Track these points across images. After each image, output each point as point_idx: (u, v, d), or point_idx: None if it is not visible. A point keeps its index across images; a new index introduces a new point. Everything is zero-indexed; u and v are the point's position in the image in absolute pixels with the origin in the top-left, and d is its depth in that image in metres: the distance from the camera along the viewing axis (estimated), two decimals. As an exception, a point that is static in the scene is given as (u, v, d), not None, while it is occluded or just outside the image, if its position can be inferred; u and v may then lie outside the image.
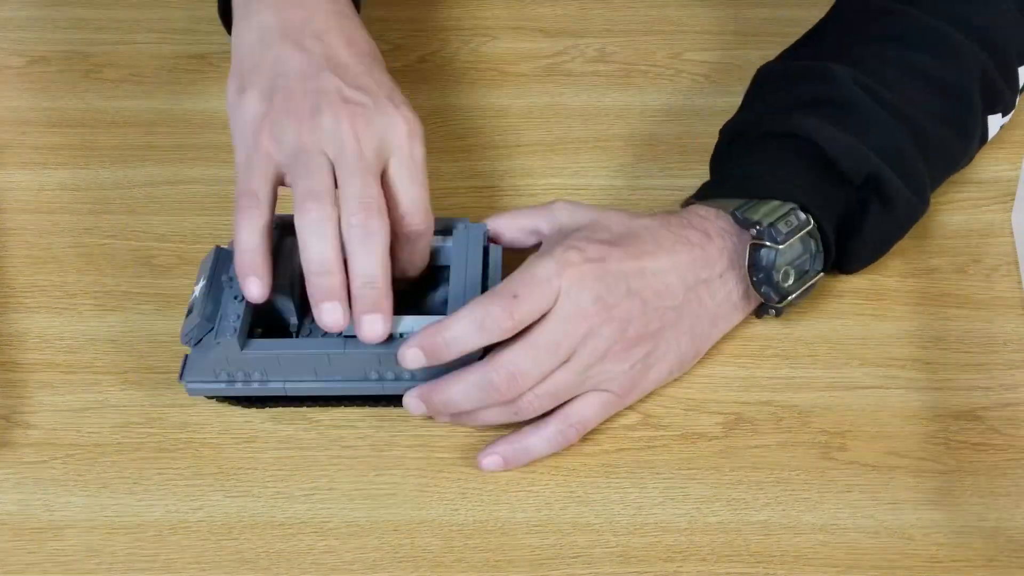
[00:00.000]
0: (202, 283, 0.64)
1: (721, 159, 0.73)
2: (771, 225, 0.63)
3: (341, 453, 0.63)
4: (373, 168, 0.61)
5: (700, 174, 0.79)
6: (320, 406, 0.65)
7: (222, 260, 0.65)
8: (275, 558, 0.59)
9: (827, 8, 0.85)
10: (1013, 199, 0.75)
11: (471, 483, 0.62)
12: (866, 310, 0.70)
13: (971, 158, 0.75)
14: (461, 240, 0.66)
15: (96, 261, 0.74)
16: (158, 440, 0.64)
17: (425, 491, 0.62)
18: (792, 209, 0.64)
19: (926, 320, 0.69)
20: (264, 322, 0.64)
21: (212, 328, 0.62)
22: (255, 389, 0.63)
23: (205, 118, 0.85)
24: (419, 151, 0.64)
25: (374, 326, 0.59)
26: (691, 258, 0.63)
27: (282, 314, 0.65)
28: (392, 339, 0.60)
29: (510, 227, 0.68)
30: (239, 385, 0.62)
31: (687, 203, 0.68)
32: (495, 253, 0.67)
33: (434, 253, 0.66)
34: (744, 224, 0.64)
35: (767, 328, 0.69)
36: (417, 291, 0.67)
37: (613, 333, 0.60)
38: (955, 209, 0.76)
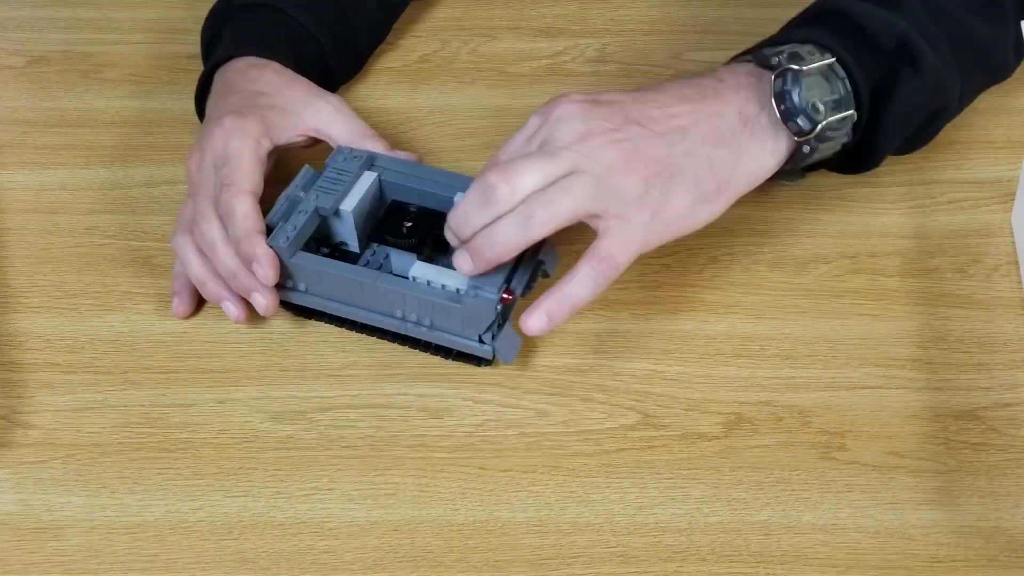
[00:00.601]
0: (286, 191, 0.69)
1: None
2: (791, 56, 0.64)
3: (341, 453, 0.63)
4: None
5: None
6: (355, 331, 0.69)
7: (306, 177, 0.70)
8: (275, 558, 0.59)
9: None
10: (1013, 199, 0.75)
11: (471, 483, 0.62)
12: (866, 310, 0.70)
13: (1007, 65, 0.74)
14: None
15: (96, 261, 0.74)
16: (158, 440, 0.64)
17: (425, 491, 0.62)
18: (817, 48, 0.64)
19: (926, 320, 0.69)
20: (333, 247, 0.70)
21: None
22: (298, 296, 0.67)
23: (205, 118, 0.85)
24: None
25: (256, 301, 0.66)
26: (699, 94, 0.63)
27: (347, 243, 0.70)
28: (410, 280, 0.65)
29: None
30: (288, 290, 0.67)
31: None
32: None
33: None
34: (765, 60, 0.64)
35: (767, 328, 0.69)
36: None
37: (617, 149, 0.60)
38: (955, 209, 0.76)
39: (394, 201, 0.69)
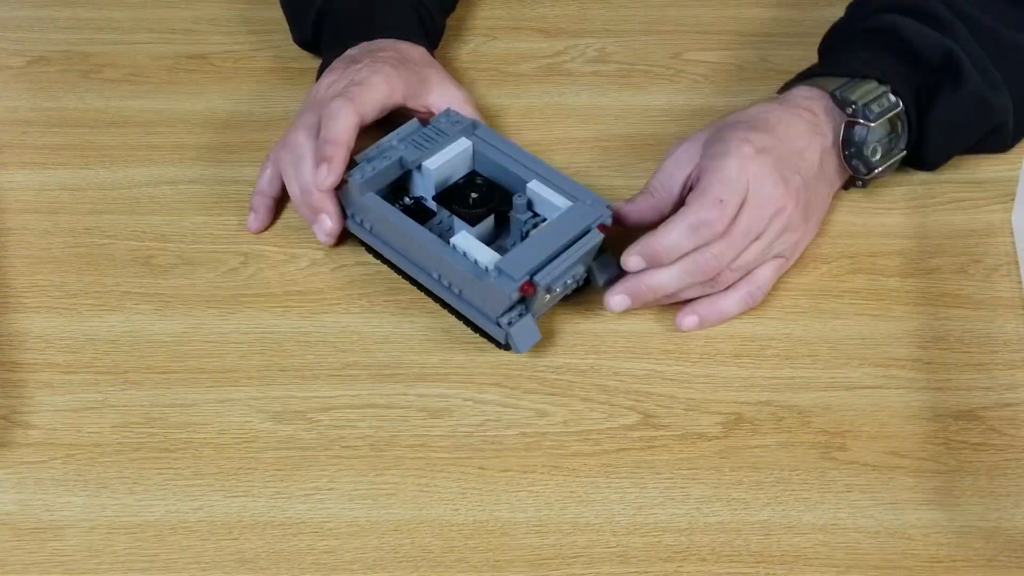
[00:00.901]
0: (386, 137, 0.73)
1: (822, 51, 0.81)
2: (865, 105, 0.71)
3: (341, 453, 0.63)
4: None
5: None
6: (407, 282, 0.72)
7: (409, 129, 0.74)
8: (275, 558, 0.59)
9: (826, 9, 0.85)
10: (1013, 199, 0.75)
11: (471, 483, 0.62)
12: (866, 310, 0.70)
13: None
14: (575, 212, 0.68)
15: (96, 261, 0.74)
16: (158, 440, 0.64)
17: (425, 491, 0.62)
18: (884, 92, 0.71)
19: (926, 320, 0.69)
20: (415, 200, 0.73)
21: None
22: (363, 233, 0.71)
23: (205, 118, 0.85)
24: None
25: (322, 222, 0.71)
26: (814, 134, 0.71)
27: (426, 200, 0.73)
28: (448, 246, 0.66)
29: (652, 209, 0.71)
30: (358, 224, 0.71)
31: (785, 88, 0.76)
32: (593, 238, 0.67)
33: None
34: (842, 103, 0.71)
35: (767, 328, 0.69)
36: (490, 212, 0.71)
37: (794, 209, 0.68)
38: (955, 209, 0.76)
39: (473, 171, 0.72)
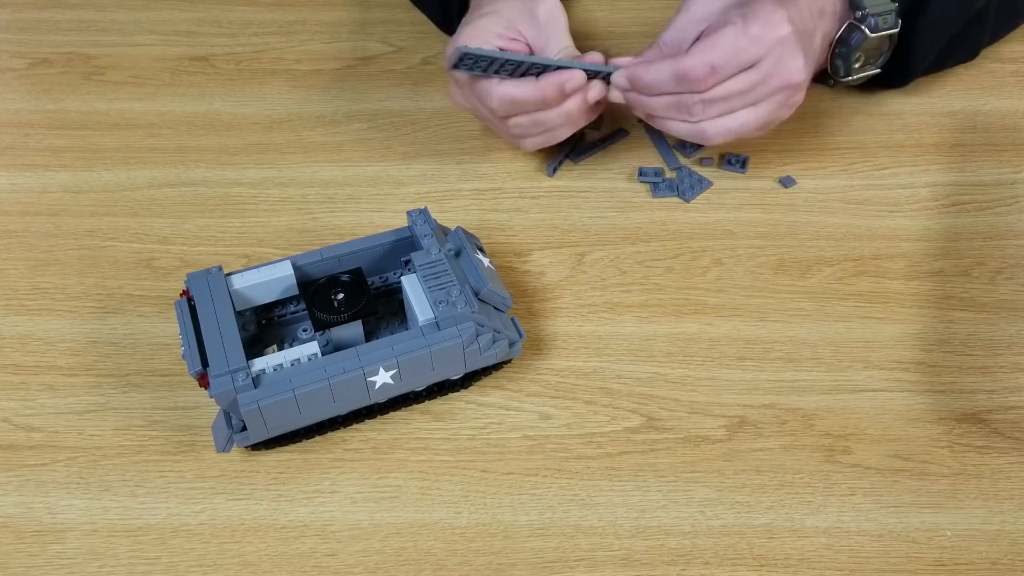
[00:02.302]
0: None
1: None
2: (874, 15, 0.74)
3: (343, 456, 0.63)
4: None
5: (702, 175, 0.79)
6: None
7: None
8: (277, 561, 0.59)
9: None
10: (1016, 202, 0.75)
11: (474, 486, 0.62)
12: (870, 313, 0.70)
13: None
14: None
15: (98, 263, 0.74)
16: (160, 443, 0.64)
17: (428, 494, 0.61)
18: (892, 10, 0.75)
19: (930, 323, 0.69)
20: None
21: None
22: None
23: (207, 120, 0.85)
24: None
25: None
26: (822, 15, 0.74)
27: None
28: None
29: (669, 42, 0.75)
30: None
31: None
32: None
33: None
34: (855, 4, 0.75)
35: (771, 331, 0.69)
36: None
37: (797, 49, 0.70)
38: (959, 212, 0.76)
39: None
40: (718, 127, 0.72)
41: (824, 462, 0.62)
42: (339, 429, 0.64)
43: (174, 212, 0.77)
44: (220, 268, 0.64)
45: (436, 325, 0.61)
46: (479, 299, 0.63)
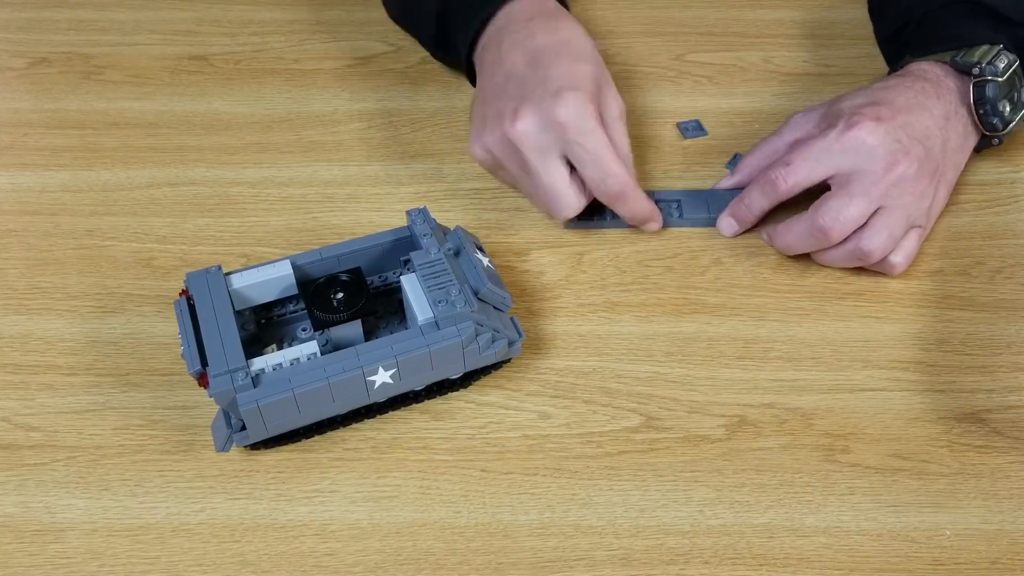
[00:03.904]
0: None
1: (907, 35, 0.83)
2: (989, 63, 0.73)
3: (343, 455, 0.63)
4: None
5: (702, 175, 0.79)
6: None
7: None
8: (277, 560, 0.59)
9: (828, 11, 0.85)
10: (1016, 201, 0.75)
11: (473, 485, 0.62)
12: (869, 312, 0.70)
13: None
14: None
15: (97, 263, 0.74)
16: (160, 442, 0.64)
17: (427, 493, 0.61)
18: (1000, 50, 0.74)
19: (929, 322, 0.69)
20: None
21: None
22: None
23: (206, 119, 0.85)
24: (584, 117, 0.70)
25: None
26: (934, 103, 0.72)
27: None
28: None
29: (757, 164, 0.76)
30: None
31: (899, 67, 0.77)
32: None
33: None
34: (964, 68, 0.73)
35: (770, 330, 0.69)
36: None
37: (914, 173, 0.68)
38: (958, 211, 0.76)
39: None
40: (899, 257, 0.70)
41: (823, 461, 0.62)
42: (339, 428, 0.64)
43: (173, 211, 0.77)
44: (219, 268, 0.64)
45: (435, 324, 0.61)
46: (478, 298, 0.63)
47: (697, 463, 0.62)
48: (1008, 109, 0.73)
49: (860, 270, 0.72)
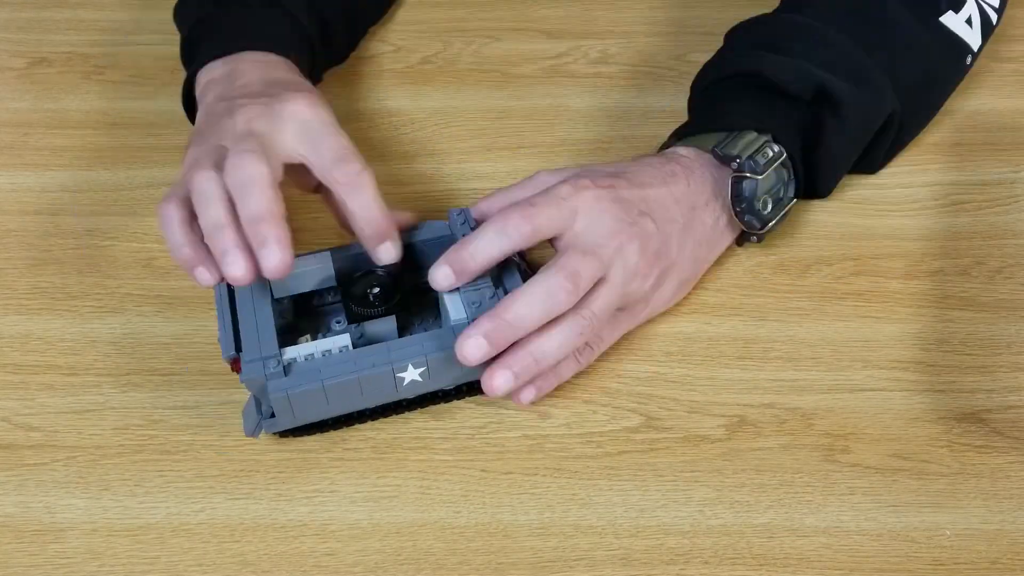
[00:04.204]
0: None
1: (695, 93, 0.77)
2: (750, 158, 0.67)
3: (343, 455, 0.63)
4: (251, 139, 0.62)
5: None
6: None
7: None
8: (277, 560, 0.59)
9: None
10: (1016, 201, 0.75)
11: (473, 485, 0.62)
12: (869, 312, 0.70)
13: (959, 64, 0.78)
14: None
15: (97, 263, 0.74)
16: (160, 442, 0.64)
17: (427, 493, 0.61)
18: (766, 141, 0.68)
19: (929, 322, 0.69)
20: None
21: None
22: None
23: (207, 119, 0.84)
24: (322, 114, 0.65)
25: (270, 257, 0.58)
26: (681, 187, 0.67)
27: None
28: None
29: (499, 207, 0.66)
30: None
31: (663, 147, 0.73)
32: None
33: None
34: (725, 159, 0.68)
35: (770, 330, 0.69)
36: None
37: (638, 249, 0.63)
38: (958, 211, 0.76)
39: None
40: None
41: (823, 461, 0.62)
42: (367, 421, 0.64)
43: (173, 211, 0.77)
44: None
45: (466, 324, 0.60)
46: None
47: (697, 463, 0.62)
48: (769, 207, 0.69)
49: (860, 271, 0.72)
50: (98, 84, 0.88)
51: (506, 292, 0.62)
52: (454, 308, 0.61)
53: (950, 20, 0.76)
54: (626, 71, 0.88)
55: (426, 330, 0.65)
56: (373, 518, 0.60)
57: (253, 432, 0.61)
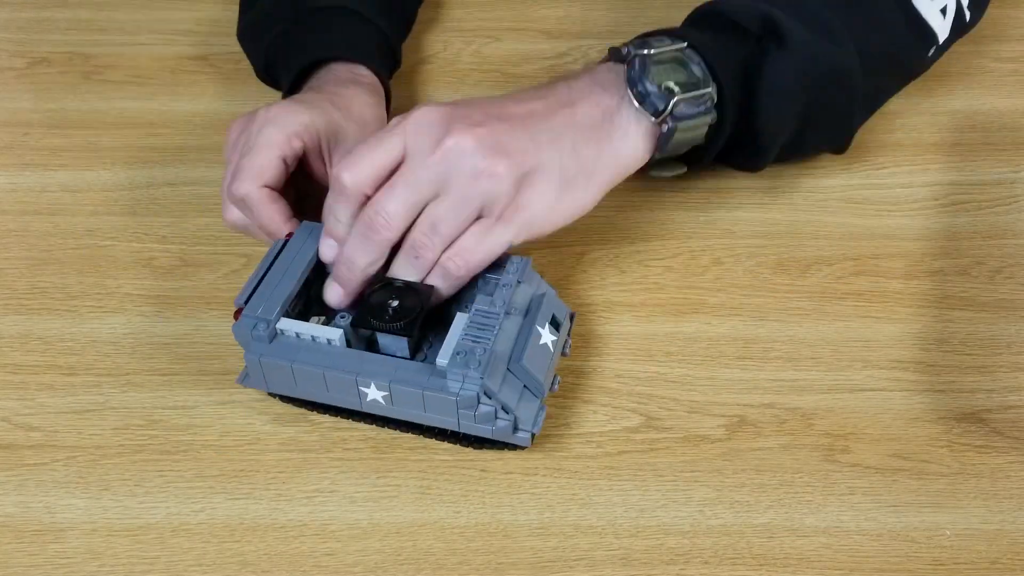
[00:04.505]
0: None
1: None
2: (640, 44, 0.66)
3: (343, 455, 0.63)
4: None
5: (702, 174, 0.79)
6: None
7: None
8: (276, 560, 0.59)
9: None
10: (1016, 201, 0.75)
11: (473, 485, 0.62)
12: (869, 312, 0.70)
13: (922, 52, 0.76)
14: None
15: (97, 263, 0.74)
16: (160, 442, 0.64)
17: (427, 493, 0.61)
18: (672, 42, 0.66)
19: (929, 322, 0.69)
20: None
21: None
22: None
23: (206, 119, 0.85)
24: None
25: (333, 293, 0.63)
26: (551, 91, 0.65)
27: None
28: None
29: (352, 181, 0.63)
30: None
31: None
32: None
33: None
34: (617, 54, 0.67)
35: (770, 330, 0.69)
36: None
37: (475, 146, 0.60)
38: (958, 211, 0.76)
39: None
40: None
41: (823, 461, 0.62)
42: (360, 420, 0.64)
43: (173, 211, 0.77)
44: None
45: (444, 372, 0.59)
46: (509, 370, 0.61)
47: (697, 463, 0.62)
48: (677, 89, 0.65)
49: (860, 271, 0.72)
50: (98, 84, 0.88)
51: (509, 358, 0.61)
52: (446, 349, 0.60)
53: (923, 5, 0.74)
54: (626, 71, 0.88)
55: (425, 358, 0.63)
56: (373, 518, 0.61)
57: (240, 380, 0.63)
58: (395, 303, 0.62)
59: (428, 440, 0.64)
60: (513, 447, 0.62)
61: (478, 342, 0.60)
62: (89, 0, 0.97)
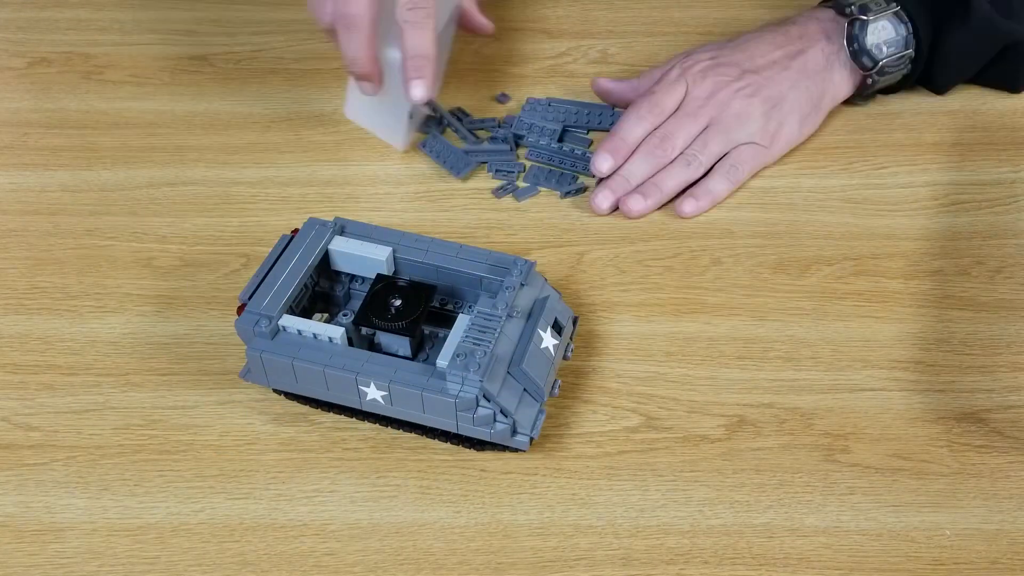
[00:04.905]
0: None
1: None
2: (863, 6, 0.80)
3: (343, 455, 0.63)
4: None
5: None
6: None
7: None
8: (276, 560, 0.59)
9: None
10: (1015, 201, 0.75)
11: (473, 485, 0.62)
12: (869, 312, 0.70)
13: None
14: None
15: (97, 263, 0.74)
16: (159, 442, 0.64)
17: (427, 493, 0.61)
18: (889, 5, 0.80)
19: (929, 322, 0.69)
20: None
21: None
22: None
23: (206, 119, 0.85)
24: None
25: (417, 89, 0.73)
26: (787, 38, 0.81)
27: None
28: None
29: (619, 92, 0.84)
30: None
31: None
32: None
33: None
34: (839, 8, 0.81)
35: (769, 330, 0.69)
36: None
37: (740, 95, 0.78)
38: (958, 211, 0.76)
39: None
40: None
41: (823, 461, 0.62)
42: (361, 418, 0.64)
43: (173, 211, 0.77)
44: (335, 222, 0.66)
45: (444, 374, 0.59)
46: (509, 374, 0.61)
47: (697, 463, 0.62)
48: (884, 53, 0.79)
49: (860, 271, 0.72)
50: (98, 84, 0.88)
51: (509, 360, 0.61)
52: (447, 351, 0.60)
53: None
54: (626, 71, 0.88)
55: (427, 359, 0.64)
56: (373, 518, 0.60)
57: (242, 374, 0.63)
58: (398, 302, 0.63)
59: (428, 440, 0.64)
60: (513, 449, 0.62)
61: (479, 344, 0.60)
62: (89, 0, 0.97)
